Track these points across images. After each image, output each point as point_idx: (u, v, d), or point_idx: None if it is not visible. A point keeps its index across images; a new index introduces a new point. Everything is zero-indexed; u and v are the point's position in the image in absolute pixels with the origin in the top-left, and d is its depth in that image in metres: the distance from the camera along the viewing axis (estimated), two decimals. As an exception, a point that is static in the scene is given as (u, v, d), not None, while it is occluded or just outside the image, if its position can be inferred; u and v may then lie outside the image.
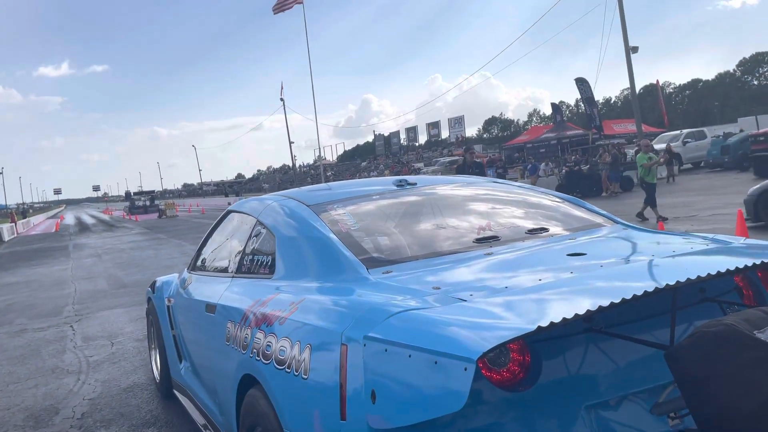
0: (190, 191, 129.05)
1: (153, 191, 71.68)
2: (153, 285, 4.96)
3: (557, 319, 1.53)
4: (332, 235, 2.65)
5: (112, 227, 36.81)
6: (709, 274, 1.74)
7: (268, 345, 2.35)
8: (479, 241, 2.65)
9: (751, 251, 2.27)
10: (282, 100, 58.19)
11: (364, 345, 1.84)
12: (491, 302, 1.90)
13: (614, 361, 1.99)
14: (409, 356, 1.69)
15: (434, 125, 77.40)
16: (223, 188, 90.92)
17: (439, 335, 1.70)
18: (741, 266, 1.87)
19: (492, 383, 1.83)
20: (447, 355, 1.58)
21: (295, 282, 2.61)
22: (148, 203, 54.01)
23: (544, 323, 1.52)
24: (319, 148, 63.56)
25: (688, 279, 1.67)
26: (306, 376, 2.05)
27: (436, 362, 1.61)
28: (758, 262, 1.90)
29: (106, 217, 59.08)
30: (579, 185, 21.30)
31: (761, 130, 24.13)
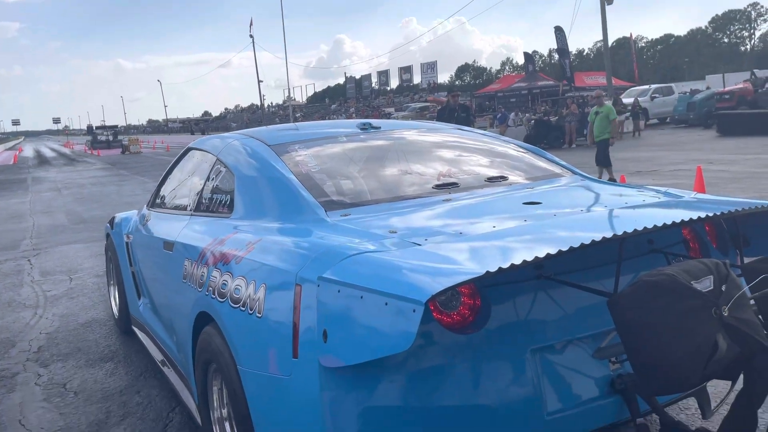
0: (154, 127, 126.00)
1: (116, 126, 69.76)
2: (112, 221, 4.89)
3: (506, 265, 1.57)
4: (292, 176, 2.63)
5: (73, 161, 35.90)
6: (656, 225, 1.79)
7: (223, 283, 2.35)
8: (439, 187, 2.66)
9: (700, 205, 2.34)
10: (251, 36, 56.58)
11: (318, 285, 1.86)
12: (445, 247, 1.93)
13: (561, 307, 2.06)
14: (361, 297, 1.71)
15: (407, 70, 76.42)
16: (189, 126, 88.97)
17: (391, 278, 1.72)
18: (687, 219, 1.93)
19: (442, 325, 1.88)
20: (397, 297, 1.61)
21: (253, 222, 2.60)
22: (111, 138, 52.58)
23: (492, 268, 1.55)
24: (289, 89, 62.34)
25: (635, 230, 1.71)
26: (260, 315, 2.07)
27: (386, 303, 1.63)
28: (704, 215, 1.96)
29: (66, 150, 57.53)
30: (547, 136, 21.43)
31: (726, 89, 24.49)
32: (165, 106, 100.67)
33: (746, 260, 2.19)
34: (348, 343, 1.75)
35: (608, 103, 14.82)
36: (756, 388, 1.75)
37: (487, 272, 1.55)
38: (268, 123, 60.91)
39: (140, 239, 4.00)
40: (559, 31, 28.66)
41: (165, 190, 4.06)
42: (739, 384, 1.89)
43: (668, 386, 1.63)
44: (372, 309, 1.68)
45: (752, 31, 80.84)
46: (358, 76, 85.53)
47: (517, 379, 1.94)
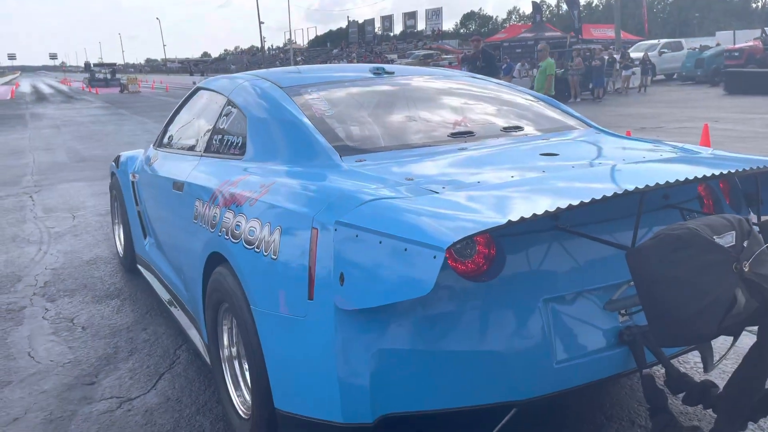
0: (153, 67, 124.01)
1: (114, 64, 68.55)
2: (117, 160, 4.86)
3: (527, 215, 1.57)
4: (306, 120, 2.60)
5: (71, 99, 35.43)
6: (676, 180, 1.78)
7: (237, 225, 2.35)
8: (454, 135, 2.64)
9: (716, 162, 2.33)
10: (253, -25, 54.94)
11: (335, 230, 1.87)
12: (462, 196, 1.92)
13: (575, 259, 2.07)
14: (380, 242, 1.72)
15: (411, 16, 74.83)
16: (188, 66, 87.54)
17: (411, 224, 1.73)
18: (705, 175, 1.92)
19: (456, 273, 1.89)
20: (417, 243, 1.61)
21: (265, 164, 2.59)
22: (109, 76, 51.73)
23: (514, 218, 1.55)
24: (290, 31, 61.15)
25: (657, 184, 1.71)
26: (275, 257, 2.08)
27: (406, 249, 1.64)
28: (719, 172, 1.95)
29: (64, 87, 56.71)
30: (554, 87, 21.18)
31: (736, 46, 24.06)
32: (164, 45, 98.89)
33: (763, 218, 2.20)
34: (365, 287, 1.76)
35: (551, 58, 14.15)
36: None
37: (509, 221, 1.55)
38: (269, 66, 59.88)
39: (147, 179, 3.99)
40: (569, -20, 27.98)
41: (173, 130, 4.02)
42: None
43: (685, 338, 1.66)
44: (391, 254, 1.69)
45: (766, -13, 78.91)
46: (360, 21, 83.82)
47: (527, 327, 1.97)
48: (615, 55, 23.65)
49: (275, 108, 2.77)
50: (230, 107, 3.11)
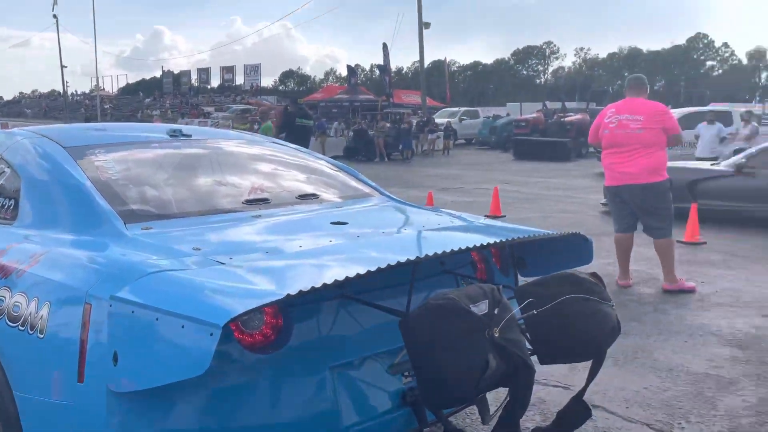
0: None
1: None
2: None
3: (307, 288, 1.62)
4: (87, 183, 2.45)
5: None
6: (446, 251, 1.95)
7: (0, 299, 2.12)
8: (249, 202, 2.65)
9: (487, 231, 2.59)
10: (55, 16, 51.37)
11: (110, 305, 1.76)
12: (249, 267, 1.93)
13: (361, 325, 2.15)
14: (157, 319, 1.65)
15: (229, 70, 74.39)
16: (-28, 108, 78.26)
17: (190, 299, 1.69)
18: (477, 245, 2.13)
19: (243, 346, 1.87)
20: (194, 319, 1.58)
21: (40, 231, 2.38)
22: None
23: (294, 291, 1.59)
24: (97, 77, 57.32)
25: (426, 255, 1.86)
26: (42, 335, 1.90)
27: (183, 326, 1.60)
28: (492, 241, 2.18)
29: None
30: (365, 147, 22.16)
31: (523, 117, 27.13)
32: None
33: (524, 280, 2.47)
34: (140, 367, 1.68)
35: (269, 122, 13.34)
36: (518, 398, 1.99)
37: (288, 295, 1.59)
38: (72, 112, 55.59)
39: None
40: (384, 48, 29.84)
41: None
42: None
43: (448, 400, 1.80)
44: (167, 331, 1.63)
45: (546, 66, 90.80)
46: (176, 71, 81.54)
47: (315, 395, 1.99)
48: (413, 120, 25.38)
49: (55, 169, 2.57)
50: (3, 165, 2.83)
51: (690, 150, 13.45)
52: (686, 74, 73.33)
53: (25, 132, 3.07)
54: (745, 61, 77.77)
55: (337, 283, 1.68)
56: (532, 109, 30.12)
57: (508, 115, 31.40)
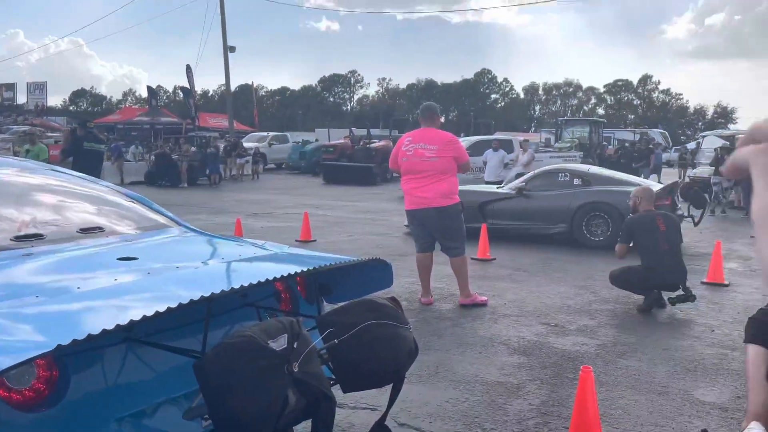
0: None
1: None
2: None
3: (82, 336, 1.44)
4: None
5: None
6: (250, 283, 1.87)
7: None
8: (19, 238, 2.33)
9: (292, 260, 2.55)
10: None
11: None
12: (16, 314, 1.68)
13: (153, 369, 1.99)
14: None
15: (9, 87, 66.46)
16: None
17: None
18: (278, 276, 2.07)
19: (10, 404, 1.62)
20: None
21: None
22: None
23: (65, 341, 1.41)
24: None
25: (222, 290, 1.76)
26: None
27: None
28: (294, 271, 2.13)
29: None
30: (168, 172, 21.05)
31: (331, 142, 27.76)
32: None
33: (332, 306, 2.47)
34: None
35: (42, 143, 13.00)
36: (321, 430, 1.95)
37: (59, 346, 1.40)
38: None
39: None
40: (188, 70, 28.73)
41: None
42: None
43: None
44: None
45: (352, 94, 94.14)
46: (-60, 87, 71.09)
47: (101, 453, 1.79)
48: (220, 144, 24.77)
49: None
50: None
51: (481, 174, 14.75)
52: (475, 105, 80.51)
53: None
54: (522, 95, 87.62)
55: (119, 328, 1.52)
56: (340, 135, 30.92)
57: (316, 140, 31.92)
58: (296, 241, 8.94)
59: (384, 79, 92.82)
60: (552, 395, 3.75)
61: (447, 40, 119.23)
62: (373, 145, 23.93)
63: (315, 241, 9.08)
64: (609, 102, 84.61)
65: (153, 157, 22.68)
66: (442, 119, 6.34)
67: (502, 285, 6.53)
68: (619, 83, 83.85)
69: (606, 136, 26.33)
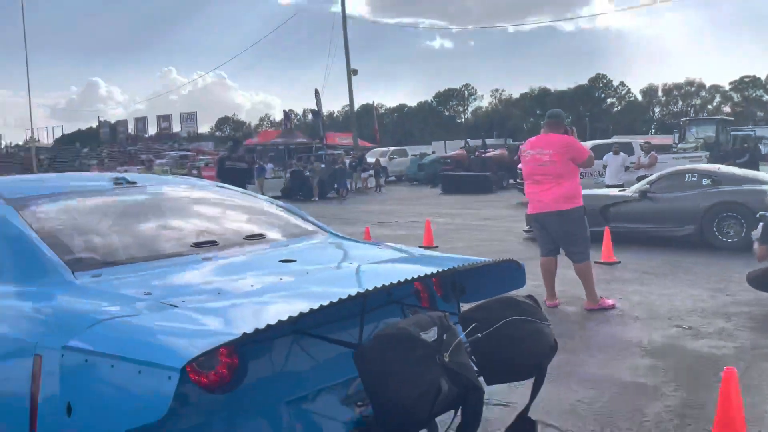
0: None
1: None
2: None
3: (262, 326, 1.58)
4: (32, 234, 2.32)
5: None
6: (393, 282, 1.95)
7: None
8: (197, 245, 2.57)
9: (428, 261, 2.61)
10: (-14, 70, 49.09)
11: (62, 355, 1.66)
12: (202, 308, 1.87)
13: (315, 359, 2.11)
14: (112, 366, 1.57)
15: (166, 118, 72.87)
16: None
17: (145, 344, 1.62)
18: (421, 275, 2.14)
19: (199, 386, 1.80)
20: (151, 364, 1.51)
21: (-17, 285, 2.23)
22: None
23: (249, 330, 1.55)
24: (32, 129, 55.05)
25: (378, 287, 1.85)
26: (-11, 391, 1.77)
27: (140, 372, 1.53)
28: (431, 272, 2.19)
29: None
30: (302, 188, 22.07)
31: (448, 154, 27.80)
32: None
33: (464, 307, 2.50)
34: (96, 416, 1.58)
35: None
36: (470, 419, 1.98)
37: (244, 334, 1.54)
38: (5, 164, 52.82)
39: None
40: (317, 94, 30.07)
41: None
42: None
43: (403, 425, 1.77)
44: (124, 378, 1.55)
45: (466, 106, 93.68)
46: (113, 121, 79.31)
47: (273, 430, 1.93)
48: (346, 159, 25.49)
49: None
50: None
51: (600, 178, 14.13)
52: (590, 111, 77.18)
53: (-38, 185, 2.90)
54: (640, 98, 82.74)
55: (291, 320, 1.65)
56: (455, 147, 30.90)
57: (433, 152, 32.09)
58: (419, 247, 9.05)
59: (497, 90, 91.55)
60: (691, 397, 3.52)
61: (559, 48, 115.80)
62: (488, 154, 23.64)
63: (437, 247, 9.13)
64: (736, 99, 77.73)
65: (288, 174, 23.87)
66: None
67: (629, 288, 6.22)
68: (746, 80, 76.84)
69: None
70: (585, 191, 6.28)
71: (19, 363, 1.75)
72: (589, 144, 17.28)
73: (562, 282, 6.03)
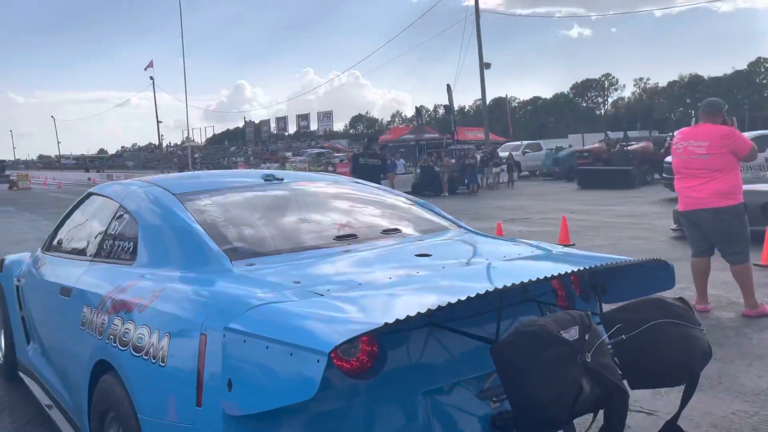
0: (46, 163, 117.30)
1: (4, 161, 64.36)
2: (1, 263, 4.51)
3: (402, 316, 1.64)
4: (196, 225, 2.58)
5: (-47, 196, 32.62)
6: (531, 280, 1.93)
7: (125, 332, 2.25)
8: (339, 238, 2.71)
9: (567, 259, 2.54)
10: (152, 78, 54.74)
11: (224, 335, 1.84)
12: (346, 297, 1.97)
13: (450, 352, 2.14)
14: (267, 347, 1.71)
15: (304, 117, 76.76)
16: (83, 162, 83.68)
17: (296, 328, 1.74)
18: (560, 273, 2.10)
19: (342, 372, 1.90)
20: (302, 347, 1.63)
21: (156, 270, 2.52)
22: (-3, 172, 48.37)
23: (390, 320, 1.62)
24: (188, 130, 60.54)
25: (513, 284, 1.84)
26: (164, 364, 2.00)
27: (291, 354, 1.65)
28: (571, 270, 2.14)
29: (-54, 184, 52.16)
30: (432, 184, 22.21)
31: (585, 147, 26.55)
32: (58, 142, 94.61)
33: (605, 307, 2.40)
34: (253, 392, 1.73)
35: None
36: (613, 423, 1.91)
37: (386, 324, 1.61)
38: (166, 163, 58.57)
39: (33, 283, 3.72)
40: (448, 89, 30.11)
41: (62, 234, 3.82)
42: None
43: (542, 424, 1.75)
44: (277, 359, 1.68)
45: (606, 97, 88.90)
46: (257, 121, 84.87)
47: (409, 420, 1.99)
48: (477, 155, 25.14)
49: (166, 214, 2.73)
50: (122, 213, 3.03)
51: (762, 172, 12.78)
52: (749, 98, 69.83)
53: (138, 182, 3.28)
54: (809, 83, 73.52)
55: (429, 312, 1.69)
56: (594, 140, 29.45)
57: (570, 146, 30.79)
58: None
59: (641, 79, 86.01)
60: None
61: (714, 31, 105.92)
62: (630, 147, 22.24)
63: (574, 245, 8.77)
64: None
65: (419, 170, 24.13)
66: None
67: (796, 294, 5.58)
68: None
69: None
70: (745, 186, 5.71)
71: (187, 341, 1.96)
72: (751, 135, 15.71)
73: (714, 285, 5.56)
